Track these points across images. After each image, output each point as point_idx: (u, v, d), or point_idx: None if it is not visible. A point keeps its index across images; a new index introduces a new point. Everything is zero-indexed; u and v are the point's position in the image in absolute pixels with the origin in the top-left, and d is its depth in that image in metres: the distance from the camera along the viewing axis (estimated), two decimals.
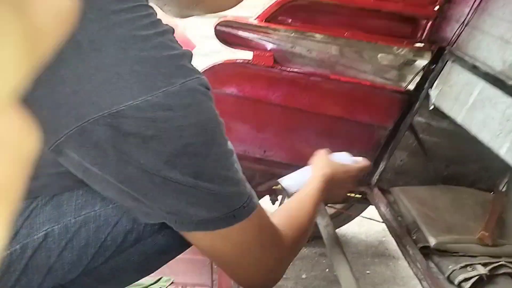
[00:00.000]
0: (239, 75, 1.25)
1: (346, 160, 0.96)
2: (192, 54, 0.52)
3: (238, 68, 1.25)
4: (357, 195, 1.39)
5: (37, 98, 0.44)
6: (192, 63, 0.52)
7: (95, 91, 0.45)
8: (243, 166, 0.62)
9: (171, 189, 0.52)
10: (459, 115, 1.11)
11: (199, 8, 0.61)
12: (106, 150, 0.48)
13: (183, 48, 0.51)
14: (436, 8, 1.23)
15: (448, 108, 1.16)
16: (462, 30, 1.18)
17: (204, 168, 0.53)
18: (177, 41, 0.51)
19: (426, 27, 1.27)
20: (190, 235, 0.58)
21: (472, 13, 1.15)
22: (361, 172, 0.95)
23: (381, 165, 1.37)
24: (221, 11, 0.63)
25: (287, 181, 0.94)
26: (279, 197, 1.41)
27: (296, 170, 0.95)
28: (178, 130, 0.49)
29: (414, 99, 1.29)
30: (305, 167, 0.93)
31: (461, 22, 1.18)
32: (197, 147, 0.51)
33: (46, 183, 0.55)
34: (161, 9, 0.62)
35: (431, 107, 1.23)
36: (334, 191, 0.88)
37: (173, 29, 0.52)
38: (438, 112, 1.22)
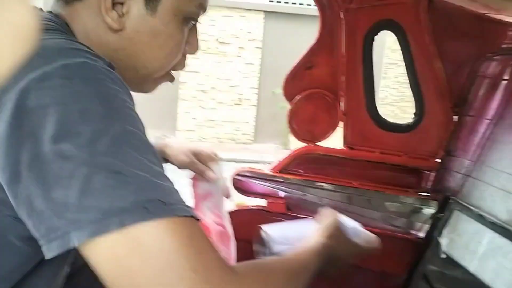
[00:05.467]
0: (254, 221, 1.30)
1: (355, 231, 0.86)
2: (113, 66, 0.53)
3: (253, 214, 1.30)
4: None
5: None
6: (111, 68, 0.52)
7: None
8: None
9: (64, 170, 0.42)
10: (471, 264, 1.11)
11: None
12: (8, 137, 0.44)
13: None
14: (438, 160, 1.32)
15: (459, 257, 1.17)
16: (465, 181, 1.25)
17: (105, 140, 0.44)
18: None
19: (430, 177, 1.34)
20: (87, 250, 0.43)
21: (473, 165, 1.23)
22: (366, 255, 0.87)
23: None
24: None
25: (272, 230, 0.78)
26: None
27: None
28: (75, 94, 0.45)
29: (425, 247, 1.30)
30: (298, 221, 0.83)
31: (463, 173, 1.25)
32: (96, 116, 0.45)
33: None
34: None
35: (443, 256, 1.24)
36: (330, 263, 0.78)
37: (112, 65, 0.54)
38: (450, 261, 1.22)
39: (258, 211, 1.30)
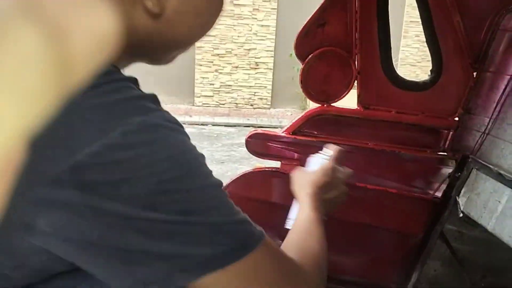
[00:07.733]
0: (268, 182, 1.30)
1: (320, 161, 0.91)
2: (156, 96, 0.48)
3: (267, 176, 1.30)
4: None
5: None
6: (156, 104, 0.47)
7: (52, 152, 0.42)
8: None
9: (162, 232, 0.46)
10: (489, 223, 1.10)
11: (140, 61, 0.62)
12: (79, 211, 0.43)
13: (149, 92, 0.48)
14: (456, 118, 1.29)
15: (477, 216, 1.16)
16: (484, 139, 1.22)
17: (191, 202, 0.47)
18: (138, 87, 0.48)
19: (448, 136, 1.32)
20: (200, 285, 0.49)
21: (492, 123, 1.20)
22: (336, 161, 0.89)
23: (414, 276, 1.33)
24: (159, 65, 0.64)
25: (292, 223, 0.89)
26: None
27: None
28: (146, 167, 0.44)
29: (442, 207, 1.29)
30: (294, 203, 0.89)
31: (482, 131, 1.22)
32: (174, 183, 0.46)
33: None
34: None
35: (461, 215, 1.23)
36: (329, 197, 0.84)
37: (136, 79, 0.48)
38: (468, 220, 1.21)
39: (272, 172, 1.30)
